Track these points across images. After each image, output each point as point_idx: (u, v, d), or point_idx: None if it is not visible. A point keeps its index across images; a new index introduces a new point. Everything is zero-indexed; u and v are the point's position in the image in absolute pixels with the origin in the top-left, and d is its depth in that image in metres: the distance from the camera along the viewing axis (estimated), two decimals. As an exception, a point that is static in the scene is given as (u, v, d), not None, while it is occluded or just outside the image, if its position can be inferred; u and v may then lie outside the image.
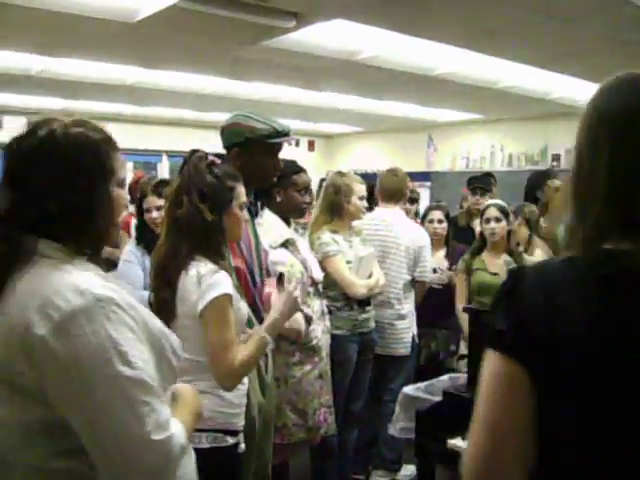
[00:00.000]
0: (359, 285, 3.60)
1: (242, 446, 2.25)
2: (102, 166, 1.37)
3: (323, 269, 3.40)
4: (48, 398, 1.23)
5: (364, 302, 3.70)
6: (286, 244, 3.12)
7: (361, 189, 3.75)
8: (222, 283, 2.09)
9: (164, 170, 10.66)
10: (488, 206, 4.07)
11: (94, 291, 1.25)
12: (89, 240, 1.38)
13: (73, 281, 1.26)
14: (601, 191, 1.08)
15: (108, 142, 1.41)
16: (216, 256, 2.17)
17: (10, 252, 1.31)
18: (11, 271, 1.30)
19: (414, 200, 5.50)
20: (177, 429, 1.31)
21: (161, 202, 3.31)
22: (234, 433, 2.21)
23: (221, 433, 2.16)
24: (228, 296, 2.09)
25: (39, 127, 1.35)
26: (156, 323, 1.41)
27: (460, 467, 1.08)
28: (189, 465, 1.51)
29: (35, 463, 1.27)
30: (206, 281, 2.08)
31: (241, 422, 2.26)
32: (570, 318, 1.04)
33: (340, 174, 3.84)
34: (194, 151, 2.28)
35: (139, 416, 1.23)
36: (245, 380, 2.28)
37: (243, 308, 2.27)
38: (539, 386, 1.03)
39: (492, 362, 1.07)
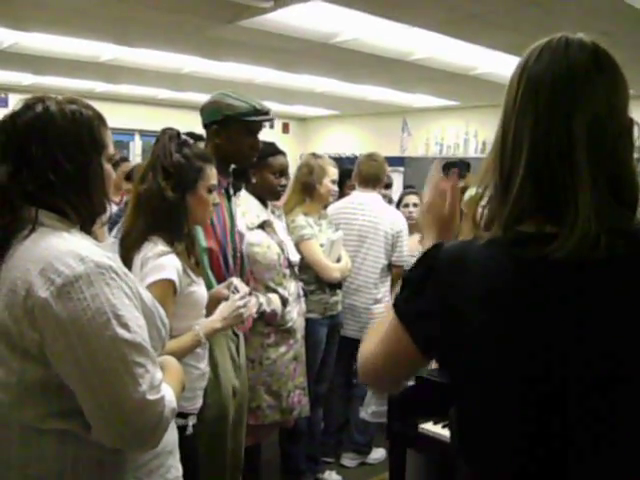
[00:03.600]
0: (334, 269, 3.60)
1: (190, 429, 2.21)
2: (96, 140, 1.44)
3: (298, 252, 3.40)
4: (48, 359, 1.28)
5: (335, 285, 3.71)
6: (263, 225, 3.10)
7: (334, 172, 3.75)
8: (164, 267, 2.05)
9: (137, 149, 10.53)
10: None
11: (94, 258, 1.30)
12: (85, 211, 1.43)
13: (74, 248, 1.31)
14: (523, 170, 1.03)
15: (100, 118, 1.48)
16: (172, 236, 2.13)
17: (12, 222, 1.36)
18: (13, 239, 1.35)
19: (388, 185, 5.48)
20: (168, 392, 1.37)
21: None
22: (182, 415, 2.15)
23: None
24: (168, 281, 2.04)
25: (34, 104, 1.40)
26: (148, 294, 1.47)
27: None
28: (170, 436, 1.54)
29: (31, 423, 1.32)
30: (148, 265, 2.04)
31: (192, 405, 2.24)
32: (482, 303, 1.04)
33: (314, 156, 3.83)
34: (166, 129, 2.26)
35: (135, 377, 1.28)
36: (200, 365, 2.26)
37: (199, 291, 2.22)
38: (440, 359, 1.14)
39: (392, 321, 1.14)
